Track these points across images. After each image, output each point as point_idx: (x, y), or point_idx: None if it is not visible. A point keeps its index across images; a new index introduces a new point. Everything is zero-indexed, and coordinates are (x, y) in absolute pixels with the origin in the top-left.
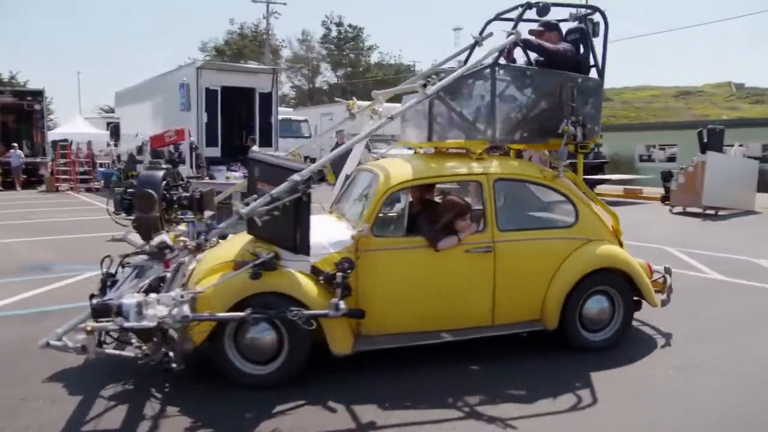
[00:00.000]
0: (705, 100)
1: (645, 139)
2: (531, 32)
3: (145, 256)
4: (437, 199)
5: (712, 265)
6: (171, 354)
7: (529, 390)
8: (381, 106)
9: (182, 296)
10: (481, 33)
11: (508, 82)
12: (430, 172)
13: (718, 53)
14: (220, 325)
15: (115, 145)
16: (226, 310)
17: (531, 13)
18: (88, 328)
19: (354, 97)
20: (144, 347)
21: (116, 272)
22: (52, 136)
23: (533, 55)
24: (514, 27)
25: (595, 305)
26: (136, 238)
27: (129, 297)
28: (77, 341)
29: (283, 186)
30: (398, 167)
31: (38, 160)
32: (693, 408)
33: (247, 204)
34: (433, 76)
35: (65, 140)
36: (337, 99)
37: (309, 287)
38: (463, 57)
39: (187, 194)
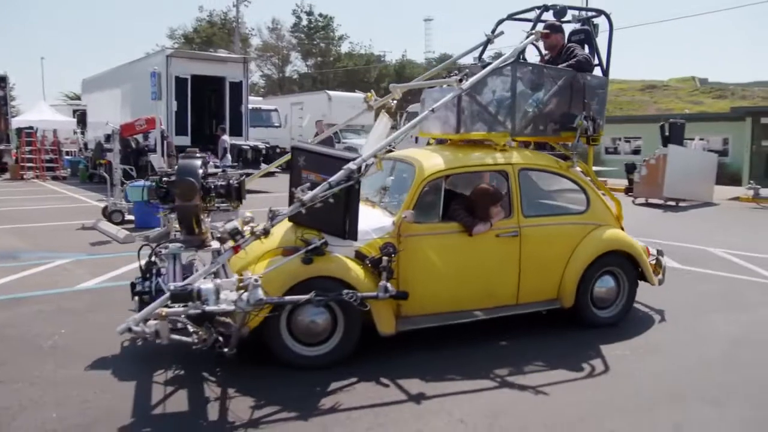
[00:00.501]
0: (670, 95)
1: (611, 131)
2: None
3: (178, 244)
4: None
5: (669, 254)
6: (221, 339)
7: (551, 361)
8: (395, 99)
9: (256, 280)
10: (493, 31)
11: (526, 79)
12: (462, 162)
13: (684, 49)
14: (276, 309)
15: (82, 133)
16: (281, 295)
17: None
18: (163, 313)
19: (372, 90)
20: (200, 332)
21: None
22: (15, 123)
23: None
24: (533, 28)
25: (604, 285)
26: (106, 226)
27: (205, 282)
28: (149, 326)
29: (340, 174)
30: (433, 158)
31: (2, 147)
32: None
33: (304, 191)
34: (457, 72)
35: (30, 128)
36: (357, 91)
37: (357, 271)
38: (476, 53)
39: (224, 183)
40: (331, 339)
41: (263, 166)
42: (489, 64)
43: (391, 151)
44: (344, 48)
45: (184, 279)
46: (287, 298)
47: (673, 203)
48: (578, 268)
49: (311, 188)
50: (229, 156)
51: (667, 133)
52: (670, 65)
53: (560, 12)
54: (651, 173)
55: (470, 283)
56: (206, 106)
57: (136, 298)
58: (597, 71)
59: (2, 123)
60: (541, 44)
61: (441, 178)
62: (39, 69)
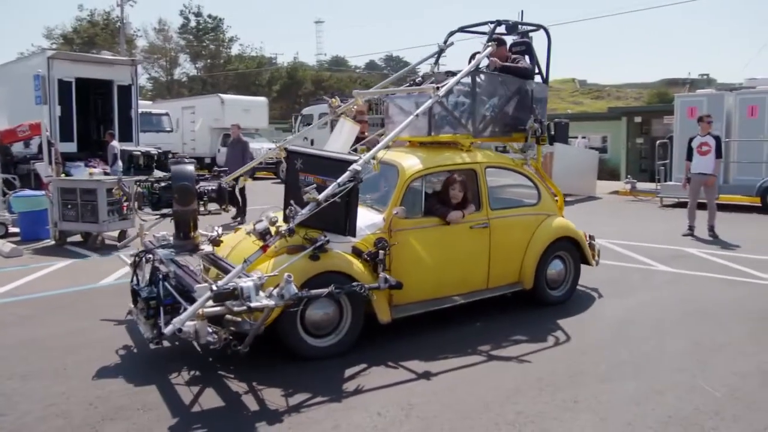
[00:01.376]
0: (553, 95)
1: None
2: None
3: (170, 250)
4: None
5: None
6: (232, 337)
7: (523, 335)
8: (356, 106)
9: (289, 276)
10: (445, 42)
11: (483, 87)
12: (438, 162)
13: (564, 52)
14: (294, 305)
15: None
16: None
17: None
18: (201, 312)
19: (336, 95)
20: (219, 332)
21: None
22: None
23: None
24: (489, 40)
25: (554, 268)
26: None
27: (245, 280)
28: (189, 327)
29: (346, 175)
30: (412, 159)
31: None
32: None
33: (312, 192)
34: (421, 79)
35: None
36: (325, 97)
37: (357, 265)
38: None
39: (215, 187)
40: (338, 329)
41: (156, 172)
42: (454, 73)
43: (353, 150)
44: (234, 50)
45: (188, 282)
46: (313, 291)
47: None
48: (536, 253)
49: (317, 190)
50: (120, 162)
51: (552, 132)
52: (552, 66)
53: (512, 27)
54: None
55: (449, 271)
56: (93, 110)
57: (138, 304)
58: (537, 79)
59: None
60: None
61: (421, 177)
62: None
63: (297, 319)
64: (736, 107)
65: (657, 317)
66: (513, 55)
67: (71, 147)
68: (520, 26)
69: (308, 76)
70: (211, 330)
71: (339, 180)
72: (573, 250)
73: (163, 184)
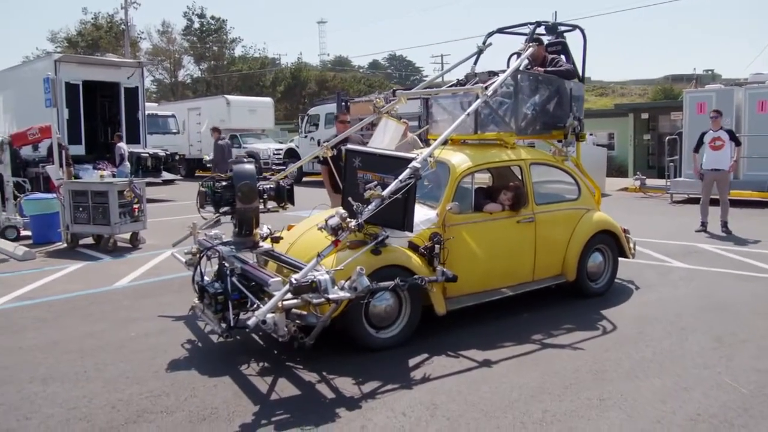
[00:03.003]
0: None
1: None
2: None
3: (231, 247)
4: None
5: None
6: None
7: (541, 334)
8: (399, 105)
9: (361, 269)
10: (484, 42)
11: (526, 85)
12: (486, 159)
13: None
14: (361, 298)
15: None
16: None
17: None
18: (280, 305)
19: (380, 95)
20: (288, 325)
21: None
22: None
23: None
24: (528, 41)
25: (595, 260)
26: (1, 243)
27: (321, 273)
28: (270, 319)
29: (407, 172)
30: (460, 157)
31: None
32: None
33: (375, 189)
34: (464, 80)
35: None
36: (368, 98)
37: (415, 259)
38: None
39: (273, 186)
40: (398, 321)
41: (164, 174)
42: (495, 72)
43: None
44: (238, 51)
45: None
46: (382, 284)
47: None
48: (578, 246)
49: (379, 187)
50: (127, 163)
51: None
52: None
53: (552, 28)
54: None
55: (498, 264)
56: (100, 113)
57: (205, 299)
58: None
59: None
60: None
61: (471, 173)
62: None
63: (362, 311)
64: (746, 102)
65: (676, 313)
66: (550, 54)
67: (79, 149)
68: (558, 27)
69: (312, 77)
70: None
71: (401, 177)
72: (612, 243)
73: (224, 183)
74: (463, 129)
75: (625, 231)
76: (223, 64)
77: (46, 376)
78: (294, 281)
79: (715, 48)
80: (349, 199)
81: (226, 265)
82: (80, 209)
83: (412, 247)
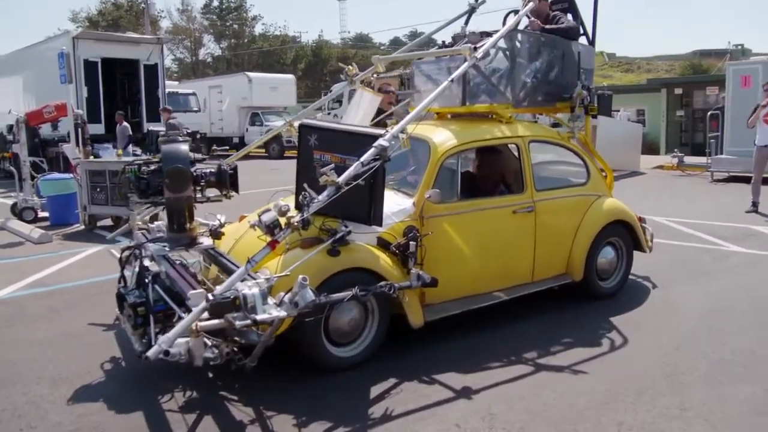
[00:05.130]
0: None
1: None
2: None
3: (163, 245)
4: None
5: None
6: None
7: (572, 338)
8: (377, 73)
9: (304, 279)
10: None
11: (524, 48)
12: (475, 136)
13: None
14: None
15: None
16: None
17: None
18: (197, 328)
19: (353, 63)
20: (221, 346)
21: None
22: None
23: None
24: None
25: (605, 256)
26: (17, 225)
27: (248, 286)
28: (179, 346)
29: (371, 152)
30: (444, 134)
31: None
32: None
33: (330, 173)
34: (452, 41)
35: None
36: (340, 64)
37: (384, 259)
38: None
39: (214, 170)
40: (363, 335)
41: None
42: (490, 33)
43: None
44: (258, 29)
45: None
46: (334, 296)
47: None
48: (586, 240)
49: (333, 171)
50: (132, 148)
51: (596, 105)
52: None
53: None
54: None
55: (490, 263)
56: (120, 91)
57: (126, 312)
58: (583, 40)
59: None
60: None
61: (456, 154)
62: None
63: (320, 325)
64: None
65: (748, 305)
66: (553, 12)
67: (99, 128)
68: None
69: (333, 54)
70: (210, 344)
71: (362, 158)
72: (626, 236)
73: (152, 167)
74: (450, 101)
75: (640, 220)
76: (244, 42)
77: (56, 375)
78: (210, 298)
79: (743, 23)
80: (305, 186)
81: (150, 268)
82: (98, 189)
83: (382, 244)
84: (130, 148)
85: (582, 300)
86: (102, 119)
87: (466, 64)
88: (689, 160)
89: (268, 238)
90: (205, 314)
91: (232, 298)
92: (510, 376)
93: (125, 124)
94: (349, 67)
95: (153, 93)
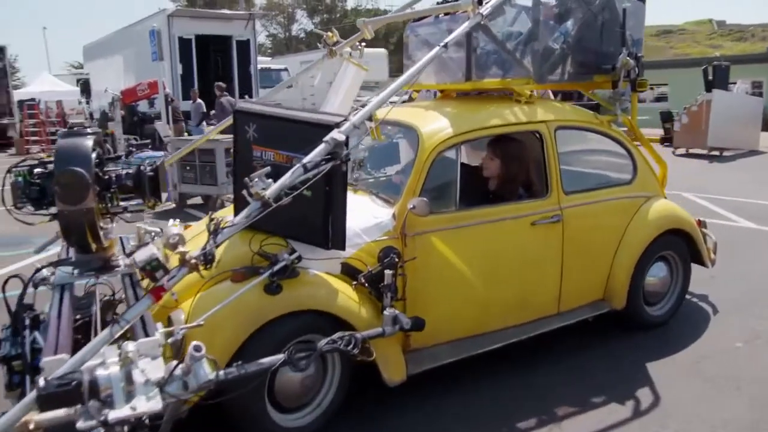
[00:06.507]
0: (687, 39)
1: None
2: None
3: (70, 268)
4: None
5: (737, 210)
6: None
7: (602, 394)
8: (364, 41)
9: (197, 349)
10: None
11: (550, 6)
12: (479, 123)
13: None
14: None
15: (87, 103)
16: (239, 346)
17: None
18: (32, 427)
19: (333, 28)
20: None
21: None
22: (17, 95)
23: None
24: None
25: (657, 274)
26: None
27: (110, 360)
28: None
29: (319, 150)
30: (439, 119)
31: (5, 121)
32: None
33: (261, 181)
34: None
35: (32, 99)
36: (316, 30)
37: (349, 296)
38: None
39: (131, 171)
40: (318, 398)
41: None
42: None
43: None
44: (350, 3)
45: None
46: (252, 368)
47: (716, 153)
48: (631, 256)
49: (273, 176)
50: (205, 123)
51: (710, 77)
52: (685, 8)
53: None
54: (693, 121)
55: (501, 293)
56: (213, 67)
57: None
58: None
59: (4, 96)
60: None
61: (454, 146)
62: (42, 39)
63: (264, 386)
64: None
65: None
66: None
67: (200, 107)
68: None
69: None
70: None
71: (306, 159)
72: (682, 248)
73: (48, 168)
74: (455, 75)
75: (700, 224)
76: (336, 17)
77: None
78: (42, 384)
79: None
80: (244, 194)
81: (32, 307)
82: (187, 168)
83: (349, 273)
84: (204, 125)
85: (620, 330)
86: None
87: (467, 23)
88: None
89: (151, 283)
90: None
91: (75, 385)
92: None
93: (200, 101)
94: (329, 33)
95: (245, 69)
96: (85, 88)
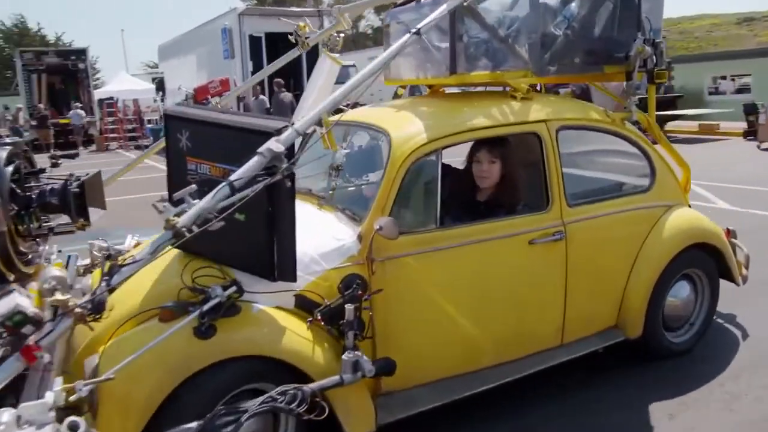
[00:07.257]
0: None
1: (713, 70)
2: None
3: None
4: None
5: None
6: None
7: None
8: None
9: (75, 425)
10: None
11: None
12: (464, 124)
13: None
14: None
15: (162, 100)
16: (159, 401)
17: None
18: None
19: (306, 19)
20: None
21: None
22: (98, 95)
23: None
24: None
25: (679, 295)
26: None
27: None
28: None
29: (252, 164)
30: (413, 123)
31: (87, 119)
32: None
33: (184, 202)
34: None
35: (111, 98)
36: (285, 20)
37: (302, 336)
38: None
39: (56, 187)
40: None
41: None
42: None
43: (341, 111)
44: None
45: None
46: None
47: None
48: (649, 276)
49: (199, 194)
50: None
51: None
52: None
53: None
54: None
55: (492, 325)
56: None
57: None
58: None
59: (85, 95)
60: None
61: (433, 153)
62: (120, 41)
63: None
64: None
65: None
66: None
67: (263, 104)
68: None
69: None
70: None
71: (233, 177)
72: (709, 264)
73: None
74: (438, 67)
75: (728, 234)
76: None
77: None
78: None
79: None
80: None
81: None
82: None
83: (305, 306)
84: None
85: (636, 361)
86: (267, 93)
87: (446, 4)
88: None
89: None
90: None
91: None
92: None
93: (262, 97)
94: (300, 24)
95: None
96: (161, 86)
